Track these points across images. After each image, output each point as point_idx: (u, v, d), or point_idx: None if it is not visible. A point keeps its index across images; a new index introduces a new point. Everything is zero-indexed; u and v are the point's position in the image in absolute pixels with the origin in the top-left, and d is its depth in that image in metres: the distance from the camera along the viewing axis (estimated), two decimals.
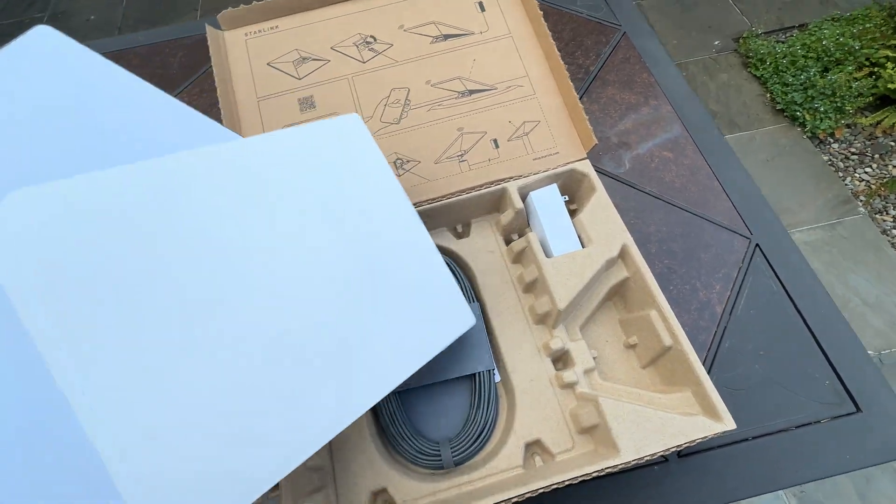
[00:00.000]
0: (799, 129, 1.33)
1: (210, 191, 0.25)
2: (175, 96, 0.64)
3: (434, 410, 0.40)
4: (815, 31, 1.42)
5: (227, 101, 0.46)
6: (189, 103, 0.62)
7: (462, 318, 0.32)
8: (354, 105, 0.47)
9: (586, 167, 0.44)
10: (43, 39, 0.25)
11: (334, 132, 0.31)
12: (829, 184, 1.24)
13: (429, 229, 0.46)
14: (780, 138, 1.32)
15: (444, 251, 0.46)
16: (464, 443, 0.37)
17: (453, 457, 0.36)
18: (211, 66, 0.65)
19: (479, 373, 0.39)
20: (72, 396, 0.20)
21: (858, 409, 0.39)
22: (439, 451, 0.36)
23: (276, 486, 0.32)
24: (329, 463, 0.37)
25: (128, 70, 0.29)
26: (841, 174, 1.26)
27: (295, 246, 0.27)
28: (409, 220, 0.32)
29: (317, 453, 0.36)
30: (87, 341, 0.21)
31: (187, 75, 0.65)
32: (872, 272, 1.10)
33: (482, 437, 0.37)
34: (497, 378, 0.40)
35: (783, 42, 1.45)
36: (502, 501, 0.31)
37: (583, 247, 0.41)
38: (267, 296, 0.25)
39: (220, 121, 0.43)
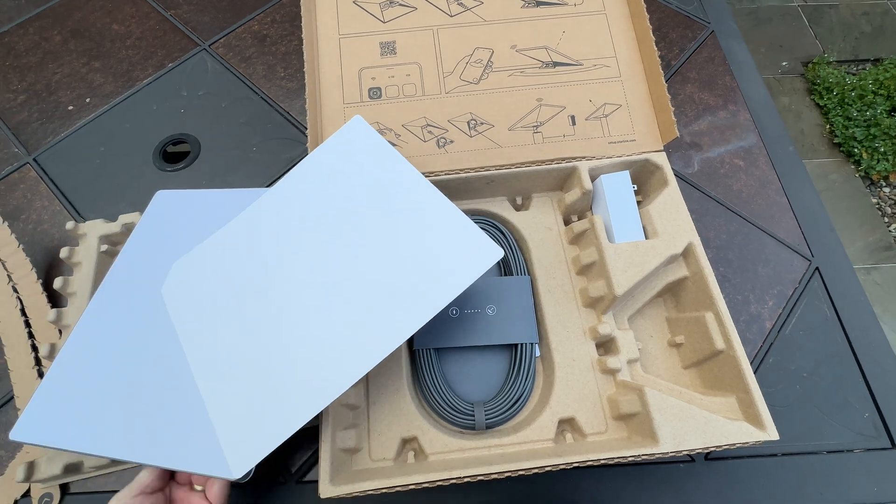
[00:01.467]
0: (853, 167, 1.29)
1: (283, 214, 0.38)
2: (245, 23, 0.63)
3: (470, 373, 0.40)
4: (890, 68, 1.35)
5: (310, 34, 0.45)
6: (259, 32, 0.61)
7: (491, 253, 0.34)
8: (436, 58, 0.46)
9: (662, 159, 0.43)
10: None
11: (348, 137, 0.39)
12: (872, 227, 1.21)
13: (489, 196, 0.46)
14: (832, 173, 1.29)
15: (500, 220, 0.45)
16: (498, 407, 0.37)
17: (486, 419, 0.36)
18: None
19: (522, 344, 0.39)
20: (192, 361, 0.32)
21: (894, 446, 0.39)
22: (473, 411, 0.37)
23: (318, 416, 0.33)
24: (365, 403, 0.37)
25: None
26: (887, 220, 1.22)
27: (344, 230, 0.36)
28: (427, 190, 0.36)
29: (354, 393, 0.36)
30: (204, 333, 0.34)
31: (260, 4, 0.63)
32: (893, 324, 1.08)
33: (517, 404, 0.37)
34: (537, 353, 0.41)
35: (854, 74, 1.40)
36: (535, 468, 0.32)
37: (646, 238, 0.41)
38: (329, 268, 0.34)
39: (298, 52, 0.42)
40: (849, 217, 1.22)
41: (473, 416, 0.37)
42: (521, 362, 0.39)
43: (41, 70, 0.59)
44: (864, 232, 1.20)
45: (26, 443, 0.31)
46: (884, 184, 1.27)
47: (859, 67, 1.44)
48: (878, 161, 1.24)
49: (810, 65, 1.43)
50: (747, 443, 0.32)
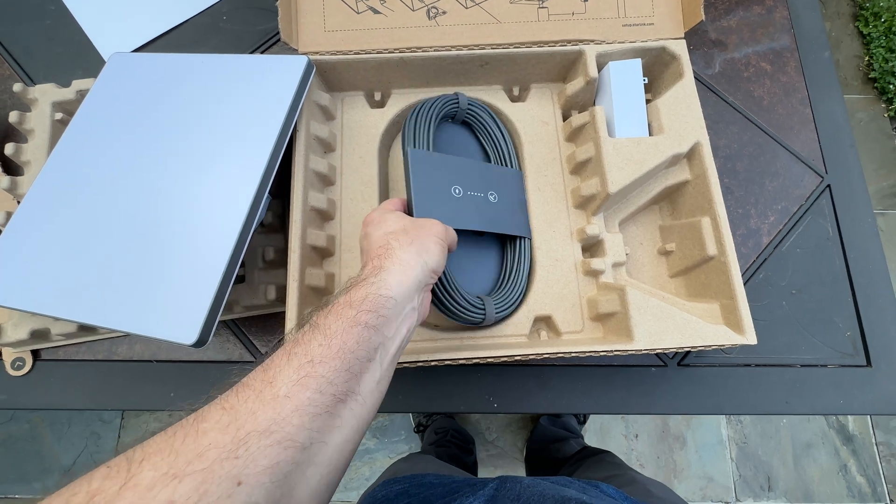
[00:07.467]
0: (883, 106, 1.20)
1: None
2: None
3: (467, 267, 0.37)
4: None
5: None
6: None
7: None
8: None
9: (680, 48, 0.38)
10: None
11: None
12: (889, 172, 1.15)
13: (483, 84, 0.42)
14: (859, 111, 1.20)
15: (494, 111, 0.41)
16: (504, 300, 0.35)
17: (496, 313, 0.34)
18: None
19: (520, 239, 0.37)
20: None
21: (868, 364, 0.38)
22: (483, 305, 0.33)
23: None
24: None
25: None
26: None
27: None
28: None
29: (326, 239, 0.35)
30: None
31: None
32: (893, 272, 1.07)
33: (518, 298, 0.36)
34: None
35: None
36: (504, 356, 0.31)
37: (650, 135, 0.37)
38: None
39: None
40: (867, 160, 1.16)
41: (483, 310, 0.33)
42: (519, 256, 0.37)
43: None
44: (881, 176, 1.15)
45: None
46: None
47: None
48: None
49: None
50: (724, 345, 0.31)
